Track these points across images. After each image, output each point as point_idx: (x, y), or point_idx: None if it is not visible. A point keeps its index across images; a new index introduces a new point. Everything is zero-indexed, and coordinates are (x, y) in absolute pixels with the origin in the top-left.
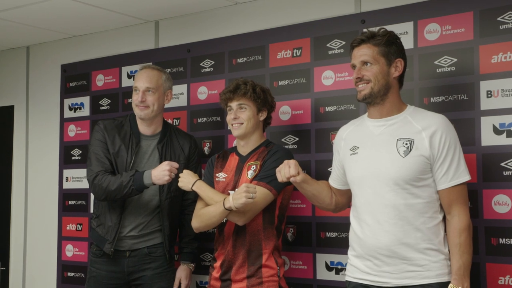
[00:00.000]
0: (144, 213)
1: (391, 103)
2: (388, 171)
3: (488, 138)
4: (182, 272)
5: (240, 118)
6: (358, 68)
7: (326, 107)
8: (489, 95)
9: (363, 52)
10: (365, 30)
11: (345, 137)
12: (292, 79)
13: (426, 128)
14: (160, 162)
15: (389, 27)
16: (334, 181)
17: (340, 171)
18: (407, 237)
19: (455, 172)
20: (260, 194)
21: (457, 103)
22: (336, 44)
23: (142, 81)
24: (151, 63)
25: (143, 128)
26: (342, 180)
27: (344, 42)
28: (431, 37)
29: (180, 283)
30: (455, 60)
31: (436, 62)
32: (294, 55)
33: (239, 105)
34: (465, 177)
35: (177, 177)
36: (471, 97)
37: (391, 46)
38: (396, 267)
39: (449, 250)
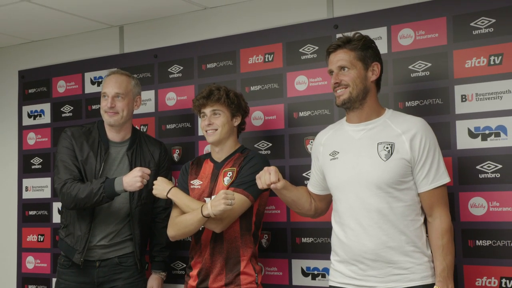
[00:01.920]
0: (115, 221)
1: (370, 107)
2: (370, 175)
3: (464, 142)
4: (153, 282)
5: (215, 124)
6: (335, 73)
7: (300, 112)
8: (464, 99)
9: (340, 57)
10: (340, 35)
11: (324, 142)
12: (264, 84)
13: (406, 131)
14: (130, 169)
15: (362, 32)
16: (313, 186)
17: (320, 176)
18: (392, 240)
19: (436, 175)
20: (237, 200)
21: (432, 107)
22: (309, 49)
23: (111, 87)
24: (116, 69)
25: (112, 135)
26: (322, 186)
27: (317, 47)
28: (405, 42)
29: None
30: (429, 64)
31: (410, 67)
32: (266, 60)
33: (213, 111)
34: (445, 179)
35: (147, 184)
36: (446, 101)
37: (367, 50)
38: (381, 271)
39: (431, 252)
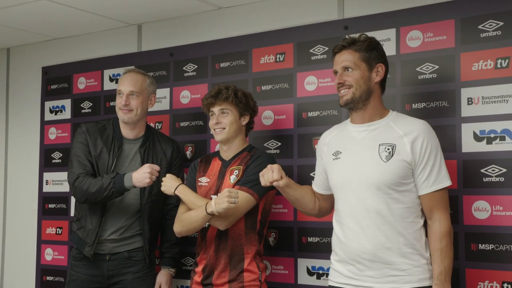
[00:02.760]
0: (125, 216)
1: (373, 108)
2: (370, 175)
3: (469, 145)
4: (162, 277)
5: (222, 123)
6: (339, 73)
7: (309, 112)
8: (470, 102)
9: (344, 58)
10: (347, 36)
11: (328, 142)
12: (275, 84)
13: (408, 133)
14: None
15: (372, 34)
16: (317, 186)
17: (323, 176)
18: (390, 241)
19: (436, 178)
20: (242, 198)
21: (439, 109)
22: (319, 49)
23: (126, 85)
24: (133, 67)
25: (126, 132)
26: (326, 185)
27: (327, 48)
28: (413, 44)
29: None
30: (437, 67)
31: (418, 69)
32: (277, 60)
33: (221, 110)
34: (446, 182)
35: (158, 181)
36: (452, 104)
37: (372, 52)
38: (378, 272)
39: (430, 255)
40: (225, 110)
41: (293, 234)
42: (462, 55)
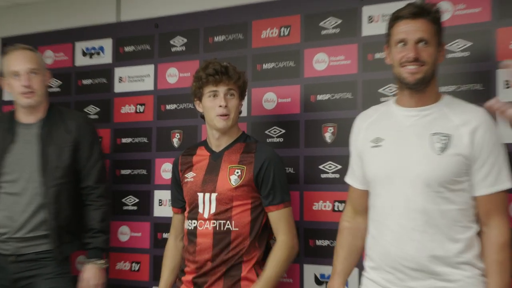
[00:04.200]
0: (28, 210)
1: (431, 91)
2: (419, 169)
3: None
4: (89, 272)
5: (229, 107)
6: (412, 45)
7: (318, 95)
8: (507, 85)
9: (420, 28)
10: (367, 7)
11: (366, 127)
12: (278, 62)
13: (466, 123)
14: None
15: (393, 4)
16: (355, 181)
17: (362, 168)
18: (438, 248)
19: (497, 177)
20: (287, 215)
21: (472, 93)
22: (330, 22)
23: (22, 63)
24: (17, 44)
25: (25, 117)
26: (365, 179)
27: (340, 21)
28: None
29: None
30: (470, 44)
31: (446, 47)
32: (282, 34)
33: (229, 91)
34: (508, 183)
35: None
36: (488, 87)
37: (441, 27)
38: (423, 282)
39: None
40: (233, 92)
41: (299, 236)
42: (498, 30)
